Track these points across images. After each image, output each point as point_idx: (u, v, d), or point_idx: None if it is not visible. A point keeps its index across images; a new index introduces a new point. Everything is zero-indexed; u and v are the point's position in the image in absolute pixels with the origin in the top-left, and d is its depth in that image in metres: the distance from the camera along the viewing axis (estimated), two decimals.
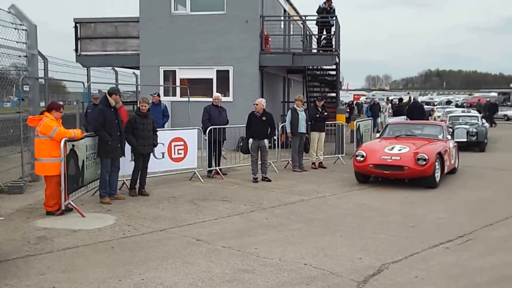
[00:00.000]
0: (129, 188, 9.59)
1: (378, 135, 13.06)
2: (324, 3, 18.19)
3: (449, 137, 12.28)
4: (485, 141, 18.07)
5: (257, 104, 11.53)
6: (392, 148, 10.88)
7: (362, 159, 10.77)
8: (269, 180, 11.29)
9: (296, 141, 12.83)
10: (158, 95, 13.62)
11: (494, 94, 59.33)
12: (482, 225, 7.56)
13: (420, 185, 10.42)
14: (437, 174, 10.63)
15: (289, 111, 13.12)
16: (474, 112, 23.61)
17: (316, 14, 18.48)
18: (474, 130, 17.83)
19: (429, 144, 11.26)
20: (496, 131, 26.16)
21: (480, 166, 13.97)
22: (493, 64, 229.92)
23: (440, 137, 12.02)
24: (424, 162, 10.19)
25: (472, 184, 11.33)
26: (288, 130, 12.83)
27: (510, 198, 9.74)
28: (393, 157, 10.49)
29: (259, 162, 11.46)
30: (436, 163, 10.49)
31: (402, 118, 19.77)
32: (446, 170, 11.22)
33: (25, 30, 10.35)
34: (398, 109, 22.30)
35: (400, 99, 25.95)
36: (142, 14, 17.52)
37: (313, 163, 13.48)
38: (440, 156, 10.80)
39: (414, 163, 10.23)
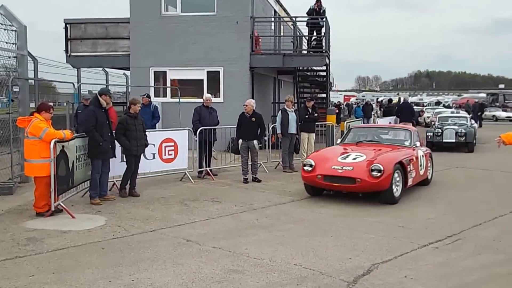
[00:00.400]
0: (119, 189, 9.56)
1: (339, 140, 11.61)
2: (314, 4, 18.28)
3: (418, 143, 10.62)
4: (474, 141, 18.19)
5: (246, 105, 11.55)
6: (347, 156, 9.48)
7: (310, 169, 9.33)
8: (259, 181, 11.31)
9: (287, 142, 12.88)
10: (148, 96, 13.59)
11: (483, 95, 59.79)
12: (471, 225, 7.63)
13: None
14: (397, 188, 9.11)
15: (279, 112, 13.17)
16: (463, 113, 23.77)
17: (306, 15, 18.57)
18: (463, 130, 17.91)
19: (390, 152, 9.76)
20: (485, 132, 26.33)
21: (469, 167, 14.09)
22: (482, 65, 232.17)
23: (407, 143, 10.53)
24: (379, 174, 8.70)
25: (461, 184, 11.42)
26: (279, 131, 12.87)
27: (498, 198, 9.84)
28: (344, 167, 9.03)
29: (249, 163, 11.48)
30: (396, 175, 9.05)
31: (391, 119, 19.96)
32: (411, 183, 9.74)
33: (15, 30, 10.29)
34: (387, 110, 22.46)
35: (390, 100, 26.10)
36: (133, 15, 17.48)
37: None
38: (402, 166, 9.33)
39: (368, 175, 8.76)
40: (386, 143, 10.60)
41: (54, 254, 6.06)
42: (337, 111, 28.73)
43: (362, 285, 5.17)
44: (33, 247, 6.30)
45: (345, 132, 11.77)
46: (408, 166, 9.52)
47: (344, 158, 9.39)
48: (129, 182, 9.58)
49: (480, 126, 31.02)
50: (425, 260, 5.99)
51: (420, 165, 10.27)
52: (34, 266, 5.62)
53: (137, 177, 9.82)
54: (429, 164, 11.12)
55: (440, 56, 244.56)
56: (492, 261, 6.00)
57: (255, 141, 11.44)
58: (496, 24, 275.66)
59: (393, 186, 8.96)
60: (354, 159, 9.29)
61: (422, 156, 10.53)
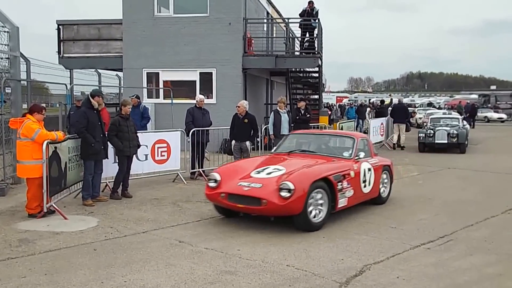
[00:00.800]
0: (112, 191, 9.52)
1: (274, 148, 9.86)
2: (307, 5, 18.33)
3: (363, 154, 8.63)
4: (466, 142, 18.25)
5: (239, 107, 11.56)
6: (264, 169, 7.70)
7: (214, 185, 7.62)
8: None
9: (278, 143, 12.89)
10: (137, 97, 13.55)
11: (474, 96, 60.23)
12: (463, 225, 7.67)
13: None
14: (317, 212, 7.27)
15: (272, 113, 13.19)
16: (455, 114, 23.91)
17: (298, 17, 18.62)
18: (455, 131, 17.93)
19: (316, 166, 7.85)
20: (477, 133, 26.53)
21: (461, 168, 14.17)
22: (473, 66, 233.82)
23: (347, 154, 8.53)
24: (288, 194, 6.88)
25: (452, 185, 11.48)
26: (271, 132, 12.90)
27: (490, 199, 9.90)
28: (252, 184, 7.28)
29: None
30: (317, 195, 7.27)
31: (384, 120, 20.04)
32: (344, 204, 7.81)
33: (7, 32, 10.25)
34: (380, 111, 22.54)
35: (382, 101, 26.19)
36: (125, 16, 17.45)
37: None
38: (328, 183, 7.46)
39: (276, 195, 6.96)
40: (321, 154, 8.71)
41: (46, 255, 6.04)
42: (329, 112, 28.89)
43: (354, 286, 5.19)
44: (25, 249, 6.27)
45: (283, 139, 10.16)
46: (339, 184, 7.64)
47: (259, 172, 7.63)
48: (121, 183, 9.57)
49: (473, 127, 31.28)
50: (417, 260, 6.02)
51: (364, 181, 8.44)
52: (26, 267, 5.59)
53: (130, 178, 9.81)
54: (383, 179, 9.27)
55: (431, 58, 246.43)
56: (483, 261, 6.04)
57: (247, 142, 11.44)
58: (487, 26, 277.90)
59: (310, 210, 7.17)
60: (269, 173, 7.51)
61: (369, 170, 8.62)
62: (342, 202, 7.76)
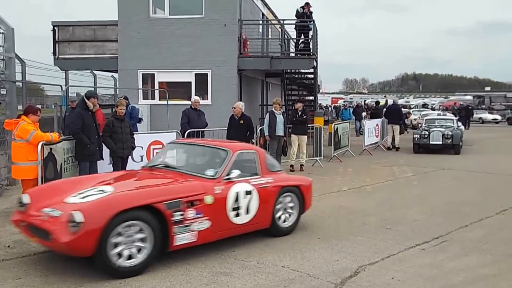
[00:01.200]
0: None
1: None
2: (303, 7, 18.38)
3: (237, 172, 6.50)
4: (460, 143, 18.33)
5: (235, 108, 11.57)
6: (89, 190, 5.87)
7: (22, 208, 5.89)
8: None
9: (274, 144, 12.91)
10: (126, 98, 13.49)
11: (469, 97, 60.49)
12: (457, 226, 7.71)
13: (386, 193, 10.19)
14: (133, 252, 5.40)
15: (267, 114, 13.20)
16: (449, 115, 23.87)
17: (294, 18, 18.65)
18: (449, 133, 18.01)
19: (148, 189, 6.03)
20: (472, 134, 26.63)
21: (456, 169, 14.22)
22: (468, 67, 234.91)
23: (210, 172, 6.48)
24: (75, 229, 5.07)
25: (447, 186, 11.52)
26: (266, 133, 12.89)
27: (484, 199, 9.95)
28: (53, 212, 5.51)
29: None
30: (133, 230, 5.37)
31: (379, 121, 20.10)
32: (188, 241, 5.87)
33: (2, 33, 10.23)
34: (375, 112, 22.62)
35: (377, 102, 26.30)
36: (121, 17, 17.44)
37: (292, 166, 13.59)
38: (157, 213, 5.55)
39: (64, 228, 5.15)
40: (181, 171, 6.81)
41: (41, 256, 6.03)
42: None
43: (349, 287, 5.21)
44: (20, 250, 6.26)
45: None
46: (176, 213, 5.69)
47: (76, 196, 5.76)
48: None
49: (468, 128, 31.42)
50: (412, 261, 6.04)
51: (236, 208, 6.42)
52: (21, 269, 5.58)
53: None
54: (284, 205, 7.25)
55: (426, 59, 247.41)
56: (478, 262, 6.07)
57: None
58: (481, 27, 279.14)
59: (116, 251, 5.28)
60: (85, 197, 5.64)
61: (247, 193, 6.59)
62: (183, 238, 5.80)
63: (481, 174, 13.34)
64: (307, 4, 18.47)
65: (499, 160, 16.42)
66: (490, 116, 43.48)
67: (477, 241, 6.95)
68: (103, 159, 9.23)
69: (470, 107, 37.81)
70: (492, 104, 50.65)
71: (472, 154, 18.11)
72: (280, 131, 12.88)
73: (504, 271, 5.77)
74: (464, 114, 33.57)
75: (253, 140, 13.17)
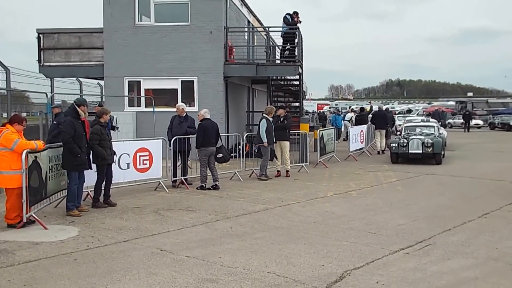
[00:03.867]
0: (94, 201, 9.45)
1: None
2: (291, 16, 18.41)
3: None
4: (442, 152, 17.10)
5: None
6: None
7: None
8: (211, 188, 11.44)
9: (268, 150, 12.97)
10: (100, 105, 13.44)
11: (452, 103, 61.21)
12: (441, 230, 7.80)
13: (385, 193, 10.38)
14: None
15: (263, 120, 13.07)
16: (432, 122, 22.60)
17: (279, 25, 18.73)
18: (430, 141, 16.44)
19: None
20: (454, 139, 26.88)
21: (439, 174, 14.36)
22: (450, 73, 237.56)
23: None
24: None
25: (430, 191, 11.64)
26: (265, 140, 12.85)
27: (466, 204, 10.08)
28: None
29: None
30: None
31: (364, 127, 20.25)
32: None
33: None
34: (359, 118, 22.77)
35: (362, 108, 26.41)
36: (106, 24, 17.42)
37: (278, 172, 13.67)
38: None
39: None
40: None
41: (25, 266, 5.99)
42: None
43: None
44: (3, 260, 6.21)
45: None
46: None
47: None
48: (102, 192, 9.52)
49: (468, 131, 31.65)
50: (396, 265, 6.11)
51: None
52: (4, 278, 5.54)
53: (111, 187, 9.75)
54: None
55: (410, 65, 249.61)
56: (461, 265, 6.16)
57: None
58: (463, 34, 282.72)
59: None
60: None
61: None
62: None
63: (464, 179, 13.49)
64: (296, 13, 18.57)
65: (481, 165, 16.58)
66: (472, 121, 43.93)
67: (459, 245, 7.05)
68: (91, 169, 9.20)
69: (442, 110, 38.33)
70: (474, 109, 51.22)
71: (455, 159, 18.25)
72: (274, 138, 13.01)
73: (485, 274, 5.86)
74: (438, 119, 33.98)
75: (239, 147, 13.24)
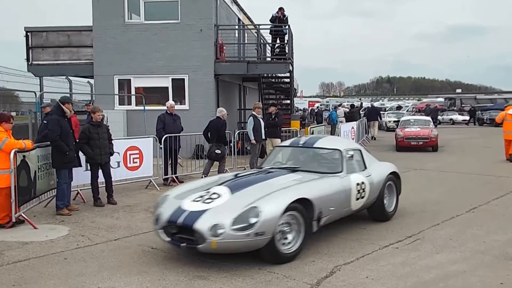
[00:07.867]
0: (94, 199, 9.48)
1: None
2: (277, 12, 18.52)
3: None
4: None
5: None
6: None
7: None
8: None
9: (256, 148, 12.97)
10: (87, 105, 13.41)
11: (441, 99, 61.55)
12: (429, 225, 7.87)
13: None
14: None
15: (251, 118, 13.06)
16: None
17: (269, 23, 18.78)
18: None
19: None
20: (442, 135, 27.01)
21: (427, 169, 14.48)
22: (439, 70, 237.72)
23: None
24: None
25: (419, 186, 11.70)
26: (252, 138, 12.85)
27: (454, 198, 10.16)
28: None
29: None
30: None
31: (354, 124, 20.36)
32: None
33: None
34: (350, 115, 22.99)
35: (352, 105, 26.96)
36: (95, 23, 17.34)
37: None
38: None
39: None
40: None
41: (14, 266, 5.97)
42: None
43: (325, 287, 5.29)
44: None
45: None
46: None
47: None
48: (99, 190, 9.53)
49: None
50: (386, 260, 6.16)
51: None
52: None
53: (101, 186, 9.72)
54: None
55: (399, 62, 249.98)
56: (449, 259, 6.21)
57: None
58: (451, 32, 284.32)
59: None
60: None
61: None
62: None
63: (452, 174, 13.60)
64: (281, 8, 18.64)
65: (468, 160, 16.76)
66: (460, 117, 44.19)
67: (448, 239, 7.11)
68: (81, 166, 9.18)
69: (436, 107, 39.16)
70: (463, 105, 51.55)
71: (443, 155, 18.45)
72: (263, 135, 12.96)
73: (473, 267, 5.92)
74: (432, 115, 34.35)
75: (231, 144, 13.26)
